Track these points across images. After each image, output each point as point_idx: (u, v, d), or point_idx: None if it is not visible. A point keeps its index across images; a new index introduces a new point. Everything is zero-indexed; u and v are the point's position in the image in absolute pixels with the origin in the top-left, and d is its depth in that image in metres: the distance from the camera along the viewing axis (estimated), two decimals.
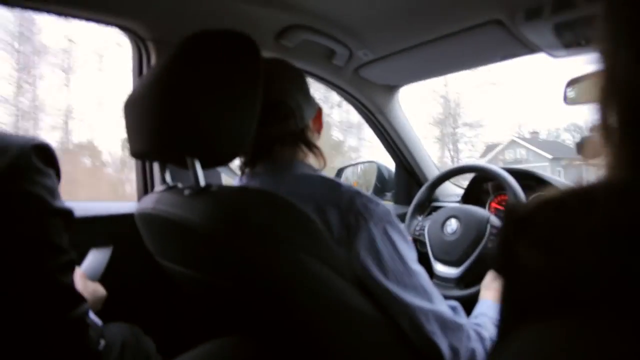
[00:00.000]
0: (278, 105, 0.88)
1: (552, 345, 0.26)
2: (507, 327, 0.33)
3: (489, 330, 0.91)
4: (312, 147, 0.93)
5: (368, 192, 1.92)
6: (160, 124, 0.74)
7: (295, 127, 0.90)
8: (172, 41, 1.22)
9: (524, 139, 21.73)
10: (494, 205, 1.78)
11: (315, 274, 0.71)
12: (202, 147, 0.73)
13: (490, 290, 1.13)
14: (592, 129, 0.35)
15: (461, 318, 0.86)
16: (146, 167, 1.33)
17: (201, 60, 0.73)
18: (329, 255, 0.74)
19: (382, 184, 2.11)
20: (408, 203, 1.88)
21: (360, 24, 1.30)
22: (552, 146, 21.01)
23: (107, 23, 1.15)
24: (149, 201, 0.88)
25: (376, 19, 1.26)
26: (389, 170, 2.09)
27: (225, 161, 0.77)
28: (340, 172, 2.23)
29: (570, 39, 1.15)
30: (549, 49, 1.24)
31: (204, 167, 0.77)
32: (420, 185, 1.97)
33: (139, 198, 1.35)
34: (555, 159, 18.94)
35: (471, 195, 1.84)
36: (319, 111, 0.97)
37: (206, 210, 0.71)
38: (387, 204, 1.99)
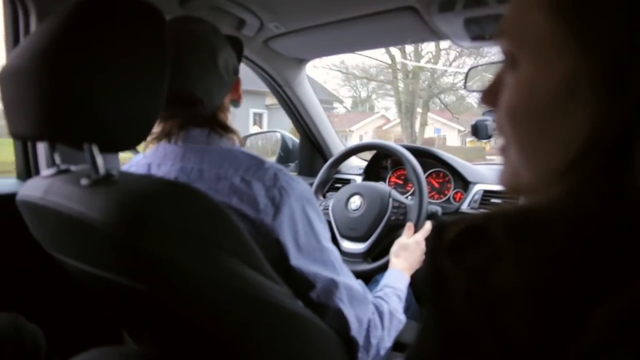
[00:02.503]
0: (183, 93, 0.82)
1: None
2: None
3: (390, 303, 0.98)
4: (224, 128, 0.89)
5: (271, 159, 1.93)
6: (48, 104, 0.63)
7: (205, 111, 0.85)
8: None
9: None
10: (393, 179, 1.87)
11: (237, 273, 0.68)
12: (100, 131, 0.64)
13: (399, 258, 1.20)
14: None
15: (367, 293, 0.91)
16: (28, 143, 1.16)
17: (97, 29, 0.63)
18: (248, 253, 0.71)
19: (285, 154, 2.10)
20: (311, 175, 1.90)
21: None
22: None
23: None
24: (35, 187, 0.76)
25: None
26: (293, 141, 2.08)
27: (126, 147, 0.69)
28: (244, 139, 2.17)
29: (476, 32, 1.20)
30: (456, 38, 1.29)
31: (102, 151, 0.67)
32: (324, 158, 1.99)
33: (19, 176, 1.19)
34: None
35: (372, 171, 1.90)
36: (236, 83, 0.93)
37: (106, 206, 0.62)
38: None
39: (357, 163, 2.03)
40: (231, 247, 0.69)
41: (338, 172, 1.88)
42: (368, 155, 1.96)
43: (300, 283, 0.80)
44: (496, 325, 0.27)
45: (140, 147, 0.78)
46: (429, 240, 0.34)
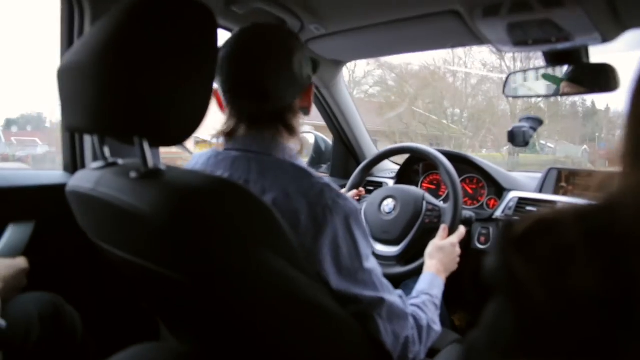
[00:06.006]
0: (250, 83, 0.83)
1: None
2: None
3: (428, 313, 0.97)
4: (290, 129, 0.88)
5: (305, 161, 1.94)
6: (104, 98, 0.65)
7: (272, 108, 0.85)
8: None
9: None
10: (425, 185, 1.86)
11: (278, 272, 0.69)
12: (152, 126, 0.66)
13: (434, 259, 1.18)
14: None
15: (407, 307, 0.90)
16: (76, 136, 1.20)
17: (152, 28, 0.65)
18: (291, 252, 0.72)
19: (318, 156, 2.11)
20: (343, 177, 1.90)
21: None
22: None
23: None
24: (86, 178, 0.78)
25: None
26: (326, 143, 2.09)
27: (175, 142, 0.70)
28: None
29: (520, 38, 1.18)
30: (498, 44, 1.27)
31: (151, 146, 0.69)
32: (357, 160, 1.99)
33: (66, 169, 1.23)
34: None
35: (404, 175, 1.89)
36: (308, 88, 0.91)
37: (156, 199, 0.64)
38: (323, 176, 2.00)
39: (390, 166, 2.03)
40: (274, 245, 0.70)
41: (370, 175, 1.88)
42: (400, 159, 1.95)
43: (340, 300, 0.79)
44: (571, 317, 0.28)
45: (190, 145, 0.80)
46: (497, 236, 0.36)
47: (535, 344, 0.30)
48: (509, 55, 10.94)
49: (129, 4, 0.66)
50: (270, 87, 0.83)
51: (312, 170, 0.82)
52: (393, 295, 0.86)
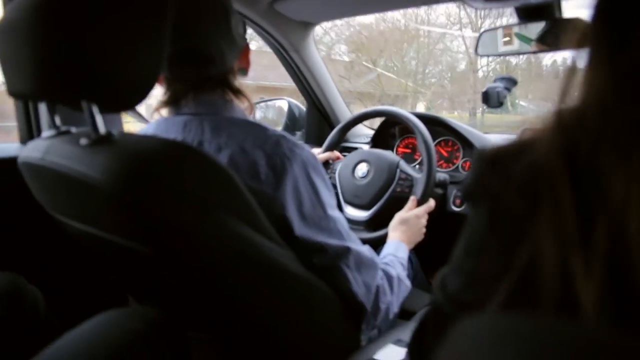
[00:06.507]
0: (195, 50, 0.81)
1: None
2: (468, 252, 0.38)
3: (396, 269, 0.98)
4: (235, 91, 0.87)
5: (278, 128, 1.90)
6: (46, 60, 0.61)
7: (216, 72, 0.84)
8: None
9: None
10: (401, 149, 1.84)
11: (239, 234, 0.68)
12: (100, 89, 0.62)
13: (397, 231, 1.19)
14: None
15: (375, 257, 0.91)
16: (29, 105, 1.15)
17: None
18: (248, 212, 0.71)
19: (292, 122, 2.07)
20: (318, 143, 1.87)
21: None
22: None
23: None
24: (35, 149, 0.75)
25: None
26: (299, 109, 2.05)
27: (127, 106, 0.68)
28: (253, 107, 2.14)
29: None
30: (470, 0, 1.24)
31: (102, 112, 0.65)
32: (331, 126, 1.96)
33: (22, 140, 1.17)
34: None
35: (380, 139, 1.87)
36: (245, 49, 0.90)
37: (108, 165, 0.61)
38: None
39: (365, 132, 2.00)
40: (233, 208, 0.68)
41: (345, 140, 1.86)
42: (375, 123, 1.93)
43: (305, 250, 0.79)
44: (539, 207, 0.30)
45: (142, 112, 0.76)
46: (473, 160, 0.39)
47: (507, 235, 0.33)
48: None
49: None
50: (213, 52, 0.82)
51: (267, 124, 0.82)
52: (359, 245, 0.87)
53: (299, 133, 2.07)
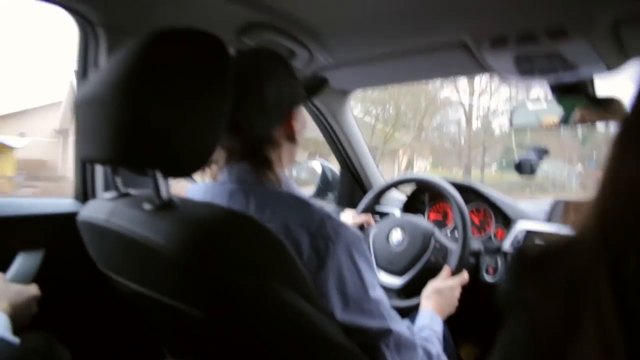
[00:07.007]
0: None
1: None
2: None
3: (435, 346, 0.95)
4: (263, 162, 0.85)
5: (310, 190, 1.94)
6: (120, 132, 0.66)
7: (246, 140, 0.84)
8: (125, 30, 1.11)
9: None
10: (432, 215, 1.85)
11: (291, 305, 0.69)
12: (165, 157, 0.67)
13: (430, 301, 1.17)
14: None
15: (415, 337, 0.88)
16: (87, 165, 1.22)
17: (168, 61, 0.67)
18: (302, 284, 0.71)
19: (324, 184, 2.11)
20: (350, 206, 1.90)
21: (325, 27, 1.26)
22: None
23: (54, 3, 1.03)
24: (99, 209, 0.79)
25: (342, 25, 1.24)
26: (332, 172, 2.10)
27: (188, 173, 0.71)
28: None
29: (527, 69, 1.20)
30: (505, 74, 1.29)
31: (165, 177, 0.70)
32: (364, 190, 1.99)
33: (77, 197, 1.24)
34: None
35: (410, 204, 1.89)
36: (289, 116, 0.88)
37: (172, 231, 0.64)
38: (329, 205, 2.01)
39: (395, 196, 2.03)
40: (288, 279, 0.69)
41: (378, 204, 1.88)
42: (406, 188, 1.95)
43: (347, 332, 0.77)
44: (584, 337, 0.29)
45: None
46: (509, 262, 0.37)
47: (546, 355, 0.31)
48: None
49: (145, 37, 0.68)
50: (240, 120, 0.80)
51: (312, 200, 0.82)
52: (400, 325, 0.84)
53: (331, 195, 2.11)
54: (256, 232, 0.69)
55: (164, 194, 0.69)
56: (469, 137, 12.51)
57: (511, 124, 1.48)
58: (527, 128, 1.45)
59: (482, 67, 1.28)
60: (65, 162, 8.26)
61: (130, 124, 0.65)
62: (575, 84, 1.26)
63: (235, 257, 0.65)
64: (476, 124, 13.04)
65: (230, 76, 0.70)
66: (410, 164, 13.21)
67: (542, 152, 1.62)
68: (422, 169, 13.29)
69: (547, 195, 9.23)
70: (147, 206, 0.70)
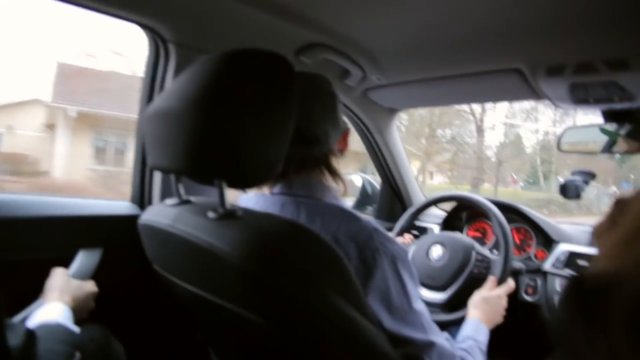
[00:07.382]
0: (304, 130, 0.86)
1: None
2: None
3: (476, 357, 0.97)
4: (333, 173, 0.93)
5: (350, 202, 1.97)
6: (193, 144, 0.71)
7: (319, 152, 0.90)
8: (195, 47, 1.18)
9: None
10: (471, 232, 1.86)
11: (344, 314, 0.72)
12: (233, 169, 0.71)
13: (478, 310, 1.17)
14: None
15: (455, 350, 0.91)
16: (146, 171, 1.28)
17: (241, 80, 0.71)
18: (355, 295, 0.75)
19: (364, 198, 2.14)
20: (389, 219, 1.93)
21: (381, 49, 1.30)
22: None
23: (129, 20, 1.10)
24: (162, 214, 0.84)
25: (397, 47, 1.27)
26: (372, 185, 2.13)
27: (253, 185, 0.76)
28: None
29: (581, 97, 1.21)
30: (558, 101, 1.31)
31: (230, 187, 0.74)
32: (403, 204, 2.02)
33: (133, 200, 1.30)
34: None
35: (449, 221, 1.91)
36: (345, 132, 0.97)
37: (237, 240, 0.68)
38: (368, 217, 2.03)
39: (435, 212, 2.04)
40: (342, 289, 0.72)
41: (416, 219, 1.90)
42: (446, 205, 1.97)
43: (393, 342, 0.80)
44: None
45: None
46: (564, 290, 0.38)
47: None
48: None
49: (220, 56, 0.73)
50: (319, 133, 0.88)
51: (360, 214, 0.85)
52: (441, 338, 0.87)
53: (369, 208, 2.14)
54: (315, 244, 0.73)
55: (227, 204, 0.74)
56: (479, 149, 12.37)
57: (559, 147, 1.48)
58: (574, 152, 1.45)
59: (535, 94, 1.29)
60: (51, 158, 7.96)
61: (203, 137, 0.69)
62: (629, 111, 1.26)
63: (295, 267, 0.68)
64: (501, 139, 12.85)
65: (295, 95, 0.75)
66: (421, 174, 13.10)
67: (589, 176, 1.61)
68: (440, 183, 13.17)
69: (570, 217, 9.01)
70: (211, 214, 0.74)
